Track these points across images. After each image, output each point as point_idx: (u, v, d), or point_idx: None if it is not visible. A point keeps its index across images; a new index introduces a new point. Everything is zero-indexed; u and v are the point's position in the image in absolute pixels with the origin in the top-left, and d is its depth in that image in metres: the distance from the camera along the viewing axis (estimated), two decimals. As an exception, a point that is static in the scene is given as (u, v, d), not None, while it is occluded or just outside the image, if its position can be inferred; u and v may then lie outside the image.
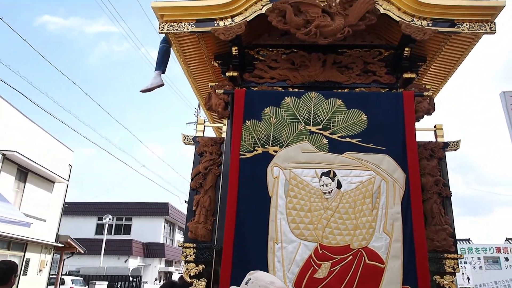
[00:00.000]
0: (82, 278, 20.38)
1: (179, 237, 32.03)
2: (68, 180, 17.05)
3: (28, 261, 14.40)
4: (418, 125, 3.78)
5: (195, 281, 3.50)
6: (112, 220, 29.28)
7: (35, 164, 13.60)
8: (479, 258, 14.13)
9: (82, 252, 18.67)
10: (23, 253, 14.31)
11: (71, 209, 29.88)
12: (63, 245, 16.57)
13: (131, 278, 22.04)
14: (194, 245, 3.56)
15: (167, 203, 29.67)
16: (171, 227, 32.90)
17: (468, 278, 13.68)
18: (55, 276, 17.06)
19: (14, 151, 12.33)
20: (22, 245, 14.22)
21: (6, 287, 3.12)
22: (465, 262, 13.49)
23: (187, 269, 3.54)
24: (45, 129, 15.33)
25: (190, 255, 3.55)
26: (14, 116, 13.25)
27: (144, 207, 29.76)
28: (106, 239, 26.81)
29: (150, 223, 29.56)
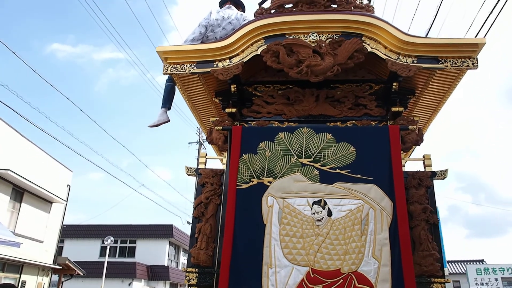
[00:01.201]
0: None
1: (183, 259, 32.34)
2: (67, 201, 17.21)
3: (24, 283, 14.46)
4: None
5: None
6: (116, 243, 29.85)
7: (31, 184, 13.80)
8: (496, 279, 13.88)
9: (82, 274, 18.83)
10: (18, 275, 14.28)
11: (75, 232, 30.58)
12: (61, 267, 16.71)
13: None
14: (196, 269, 3.98)
15: (171, 225, 30.14)
16: (176, 249, 33.25)
17: None
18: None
19: (8, 169, 12.46)
20: (17, 267, 14.24)
21: None
22: (481, 284, 13.37)
23: (190, 292, 3.99)
24: (44, 149, 15.59)
25: (193, 279, 3.98)
26: (9, 135, 13.44)
27: (148, 229, 30.22)
28: (110, 262, 27.29)
29: (154, 246, 30.00)
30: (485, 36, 5.84)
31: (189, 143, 23.49)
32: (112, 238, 24.99)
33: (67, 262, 17.07)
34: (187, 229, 24.08)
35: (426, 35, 7.66)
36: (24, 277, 14.54)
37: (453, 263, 33.91)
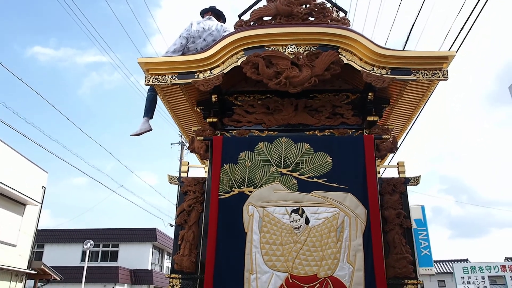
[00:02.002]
0: None
1: (168, 263, 32.49)
2: (42, 203, 16.79)
3: None
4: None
5: None
6: (98, 247, 29.96)
7: (0, 185, 13.38)
8: (483, 278, 14.27)
9: (58, 279, 18.60)
10: None
11: (56, 237, 30.57)
12: (36, 272, 16.33)
13: None
14: (180, 275, 4.21)
15: (155, 228, 30.23)
16: (160, 253, 33.44)
17: None
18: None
19: (-29, 169, 11.88)
20: None
21: None
22: (468, 282, 13.76)
23: (173, 297, 4.27)
24: (19, 151, 15.22)
25: (176, 285, 4.22)
26: (-26, 135, 13.25)
27: (131, 233, 30.29)
28: (91, 267, 27.28)
29: (137, 249, 30.11)
30: (458, 47, 6.18)
31: (171, 144, 23.51)
32: (92, 242, 25.04)
33: (42, 266, 16.73)
34: (170, 232, 24.36)
35: (404, 48, 8.02)
36: (-5, 282, 14.18)
37: (438, 263, 34.75)
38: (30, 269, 15.98)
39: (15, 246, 15.02)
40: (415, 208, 13.01)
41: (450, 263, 37.94)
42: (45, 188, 17.13)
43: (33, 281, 17.81)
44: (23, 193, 14.94)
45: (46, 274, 17.38)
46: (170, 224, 20.50)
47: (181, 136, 22.99)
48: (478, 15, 5.54)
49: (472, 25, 5.60)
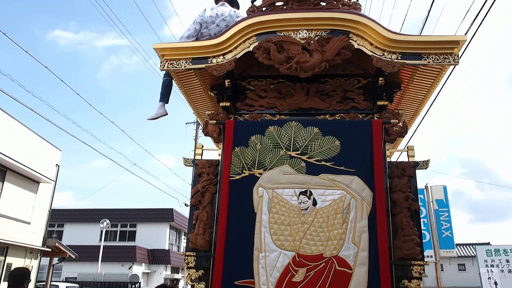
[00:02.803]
0: (78, 285, 21.08)
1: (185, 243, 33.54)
2: (56, 181, 17.19)
3: (10, 266, 14.43)
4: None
5: (196, 284, 4.55)
6: (116, 227, 31.01)
7: (13, 162, 13.69)
8: (507, 261, 14.00)
9: (74, 257, 19.17)
10: (3, 258, 14.42)
11: (75, 216, 31.84)
12: (50, 250, 16.76)
13: (129, 285, 23.25)
14: (194, 253, 4.51)
15: (172, 209, 31.16)
16: (177, 233, 34.30)
17: (496, 283, 13.68)
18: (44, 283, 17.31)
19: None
20: (2, 249, 14.39)
21: None
22: (491, 265, 13.20)
23: (188, 273, 4.57)
24: (31, 128, 15.53)
25: (191, 262, 4.53)
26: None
27: (148, 213, 31.30)
28: (110, 246, 28.36)
29: (155, 230, 31.14)
30: (476, 29, 6.24)
31: (186, 123, 24.00)
32: (108, 221, 25.94)
33: (57, 244, 17.18)
34: (187, 213, 24.99)
35: (420, 33, 8.06)
36: (9, 259, 14.56)
37: (458, 246, 34.60)
38: (45, 246, 16.46)
39: (29, 223, 15.37)
40: (437, 188, 13.16)
41: (470, 246, 37.74)
42: (58, 166, 17.51)
43: (48, 258, 18.16)
44: (37, 170, 15.18)
45: (61, 252, 17.79)
46: (185, 204, 20.97)
47: (193, 111, 23.28)
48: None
49: (491, 6, 5.66)
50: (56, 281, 21.09)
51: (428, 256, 12.22)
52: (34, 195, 16.06)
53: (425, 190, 13.13)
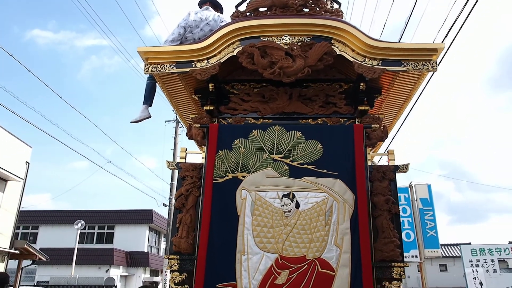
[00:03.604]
0: None
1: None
2: (25, 179, 16.57)
3: None
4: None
5: (179, 287, 4.67)
6: (94, 229, 30.63)
7: None
8: (492, 261, 13.75)
9: (44, 260, 18.63)
10: None
11: (51, 218, 31.30)
12: (19, 252, 16.07)
13: None
14: (178, 257, 4.57)
15: (151, 210, 30.91)
16: (157, 235, 34.02)
17: (481, 283, 13.68)
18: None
19: None
20: None
21: None
22: (477, 265, 13.68)
23: (172, 277, 4.67)
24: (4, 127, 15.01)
25: (175, 266, 4.60)
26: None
27: (127, 214, 30.93)
28: (86, 248, 27.97)
29: (133, 231, 30.83)
30: (455, 35, 6.49)
31: (165, 121, 23.35)
32: (83, 222, 25.48)
33: (25, 246, 16.41)
34: (165, 213, 24.87)
35: (399, 40, 8.33)
36: (-28, 262, 13.67)
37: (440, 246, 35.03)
38: (13, 248, 15.72)
39: None
40: (421, 187, 13.13)
41: (452, 247, 38.24)
42: (28, 163, 16.83)
43: (17, 261, 17.37)
44: (3, 168, 14.66)
45: (31, 254, 17.06)
46: (164, 204, 20.80)
47: (176, 114, 23.01)
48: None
49: (470, 12, 5.91)
50: (27, 285, 20.67)
51: (412, 256, 12.38)
52: (1, 194, 15.49)
53: (409, 189, 13.21)
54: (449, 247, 38.73)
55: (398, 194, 13.05)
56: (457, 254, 37.03)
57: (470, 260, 13.28)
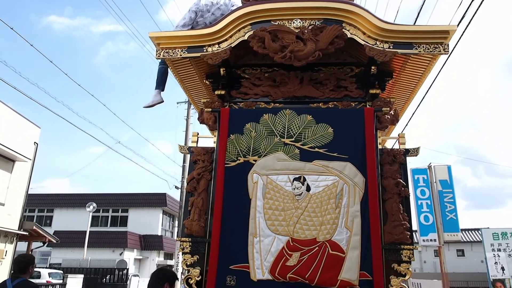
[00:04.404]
0: (62, 271, 20.83)
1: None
2: (34, 160, 16.56)
3: None
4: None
5: (191, 269, 4.80)
6: (108, 212, 31.03)
7: None
8: None
9: (55, 242, 18.80)
10: None
11: (66, 201, 31.82)
12: (27, 233, 16.12)
13: (116, 271, 23.18)
14: (190, 239, 4.72)
15: (165, 193, 31.28)
16: (171, 218, 34.36)
17: (503, 268, 13.27)
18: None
19: None
20: None
21: (25, 276, 4.47)
22: (498, 250, 13.20)
23: (184, 259, 4.82)
24: (5, 103, 14.93)
25: (187, 248, 4.75)
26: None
27: (140, 198, 31.41)
28: (101, 231, 28.41)
29: (147, 215, 31.35)
30: (472, 16, 6.48)
31: (177, 102, 23.06)
32: (94, 205, 25.78)
33: (34, 227, 16.44)
34: (177, 195, 25.10)
35: (414, 23, 8.31)
36: (-21, 242, 13.77)
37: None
38: (22, 230, 15.75)
39: (3, 204, 14.79)
40: (440, 168, 12.65)
41: (469, 232, 38.00)
42: (37, 144, 16.79)
43: (26, 243, 17.53)
44: (11, 148, 14.59)
45: (40, 236, 17.09)
46: (176, 187, 20.93)
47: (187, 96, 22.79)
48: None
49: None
50: (39, 267, 21.01)
51: (431, 240, 12.11)
52: (9, 175, 15.33)
53: (428, 170, 12.84)
54: (466, 232, 38.54)
55: (417, 176, 12.95)
56: (474, 239, 36.84)
57: (491, 244, 12.66)
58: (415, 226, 12.48)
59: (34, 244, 18.48)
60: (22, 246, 17.57)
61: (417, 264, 36.93)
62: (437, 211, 12.34)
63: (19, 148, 15.23)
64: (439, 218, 12.25)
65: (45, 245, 19.11)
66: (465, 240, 36.95)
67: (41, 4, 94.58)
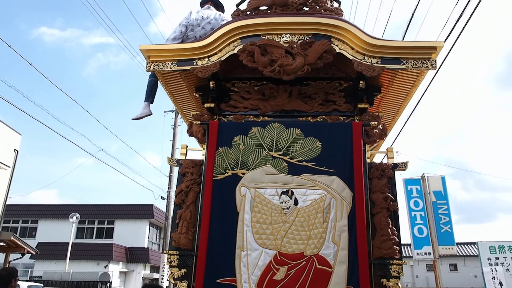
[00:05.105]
0: (42, 285, 20.13)
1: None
2: (13, 167, 16.12)
3: None
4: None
5: (178, 283, 4.82)
6: (93, 224, 30.65)
7: None
8: None
9: (34, 253, 18.38)
10: None
11: (51, 212, 31.34)
12: (5, 245, 15.61)
13: (99, 285, 22.59)
14: (178, 252, 4.73)
15: (152, 205, 30.94)
16: (158, 230, 34.04)
17: (501, 283, 12.78)
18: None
19: None
20: None
21: None
22: (496, 264, 12.75)
23: (171, 272, 4.84)
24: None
25: (174, 261, 4.76)
26: None
27: (127, 209, 31.02)
28: (85, 243, 27.96)
29: (133, 227, 30.92)
30: (460, 31, 6.61)
31: (165, 111, 23.13)
32: (78, 215, 25.36)
33: (12, 238, 15.54)
34: (163, 206, 24.89)
35: (403, 38, 8.45)
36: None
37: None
38: None
39: None
40: (434, 179, 12.61)
41: (462, 246, 37.93)
42: (17, 151, 16.41)
43: (4, 254, 16.94)
44: None
45: (19, 247, 16.51)
46: (162, 197, 20.90)
47: (175, 106, 22.63)
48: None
49: (475, 9, 6.01)
50: (21, 280, 20.61)
51: (425, 253, 12.05)
52: None
53: (421, 181, 12.78)
54: (459, 245, 38.51)
55: (410, 187, 12.83)
56: (468, 253, 36.85)
57: (488, 258, 11.99)
58: (408, 239, 12.41)
59: (12, 256, 17.75)
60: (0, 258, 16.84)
61: (409, 278, 36.87)
62: (432, 223, 12.23)
63: (-2, 155, 14.75)
64: (434, 230, 12.14)
65: (23, 257, 18.39)
66: (458, 254, 36.99)
67: (32, 15, 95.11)
